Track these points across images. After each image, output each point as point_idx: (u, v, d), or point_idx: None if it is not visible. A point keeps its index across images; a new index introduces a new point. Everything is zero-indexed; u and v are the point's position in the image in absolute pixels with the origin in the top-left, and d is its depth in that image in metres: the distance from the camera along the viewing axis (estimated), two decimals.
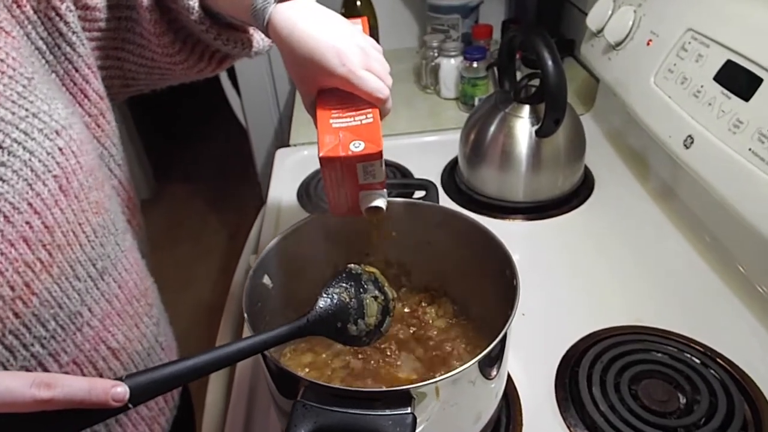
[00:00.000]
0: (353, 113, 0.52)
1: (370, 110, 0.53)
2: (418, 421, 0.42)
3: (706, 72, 0.72)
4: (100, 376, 0.52)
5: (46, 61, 0.49)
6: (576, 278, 0.77)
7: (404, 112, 1.22)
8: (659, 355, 0.63)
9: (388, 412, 0.42)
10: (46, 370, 0.47)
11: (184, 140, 3.07)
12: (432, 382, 0.44)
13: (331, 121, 0.52)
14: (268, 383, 0.52)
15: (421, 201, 0.62)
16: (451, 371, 0.44)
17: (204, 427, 0.67)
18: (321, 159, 0.50)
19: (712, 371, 0.61)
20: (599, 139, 1.05)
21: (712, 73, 0.71)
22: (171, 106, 2.86)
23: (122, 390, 0.36)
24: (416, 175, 0.99)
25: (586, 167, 0.95)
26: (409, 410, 0.42)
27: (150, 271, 0.63)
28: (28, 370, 0.45)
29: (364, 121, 0.52)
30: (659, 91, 0.80)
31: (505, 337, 0.48)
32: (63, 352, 0.48)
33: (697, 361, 0.62)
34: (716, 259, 0.76)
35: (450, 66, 1.19)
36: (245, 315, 0.49)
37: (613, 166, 0.98)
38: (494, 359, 0.49)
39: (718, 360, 0.63)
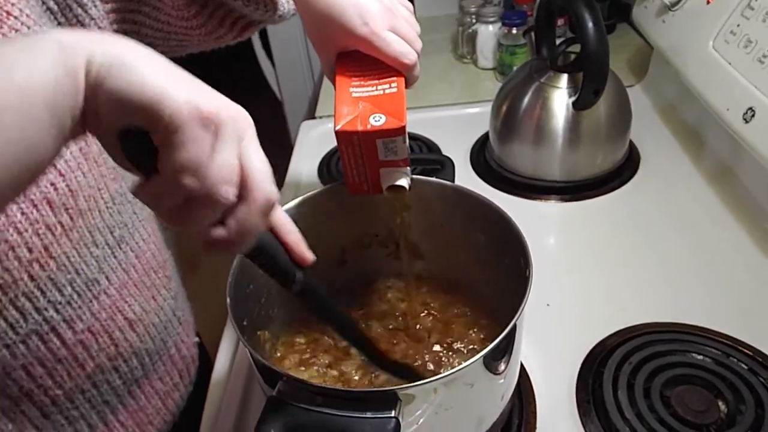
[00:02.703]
0: (376, 81, 0.48)
1: (395, 78, 0.48)
2: (404, 425, 0.38)
3: None
4: (116, 347, 0.52)
5: (58, 23, 0.47)
6: (612, 267, 0.70)
7: (438, 83, 1.15)
8: (700, 357, 0.56)
9: (369, 414, 0.37)
10: (59, 336, 0.47)
11: None
12: (422, 384, 0.39)
13: (351, 89, 0.48)
14: (255, 373, 0.48)
15: (434, 179, 0.57)
16: (446, 371, 0.39)
17: (206, 407, 0.65)
18: (337, 133, 0.46)
19: (761, 379, 0.53)
20: (649, 113, 0.95)
21: None
22: (211, 79, 2.87)
23: (312, 258, 0.41)
24: (445, 151, 0.93)
25: (631, 144, 0.86)
26: (392, 414, 0.37)
27: (176, 245, 0.61)
28: (39, 334, 0.45)
29: (387, 91, 0.48)
30: (718, 57, 0.70)
31: (511, 333, 0.43)
32: (78, 320, 0.48)
33: (744, 366, 0.55)
34: None
35: (488, 33, 1.11)
36: (228, 299, 0.45)
37: (663, 143, 0.88)
38: (497, 359, 0.43)
39: None
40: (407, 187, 0.50)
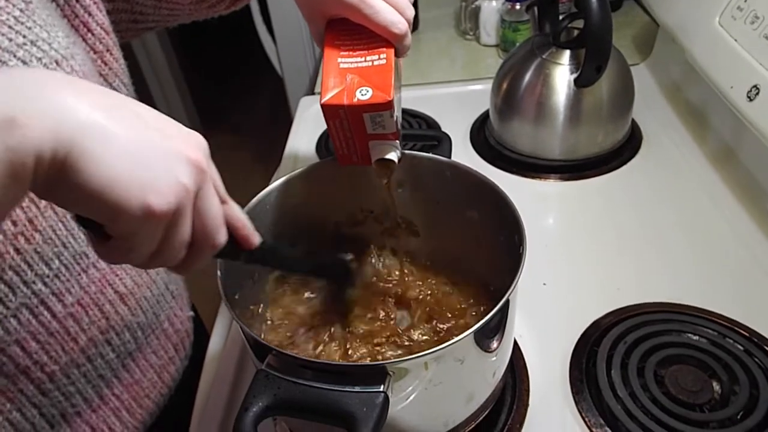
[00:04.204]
0: (365, 51, 0.47)
1: (384, 49, 0.46)
2: (393, 400, 0.38)
3: None
4: (107, 320, 0.51)
5: None
6: (610, 247, 0.69)
7: (440, 59, 1.14)
8: (695, 338, 0.55)
9: (357, 389, 0.37)
10: (49, 309, 0.46)
11: (236, 92, 3.07)
12: (412, 358, 0.39)
13: (339, 60, 0.46)
14: (247, 347, 0.48)
15: (429, 154, 0.56)
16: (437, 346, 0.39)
17: (202, 381, 0.65)
18: (322, 106, 0.45)
19: (756, 359, 0.53)
20: (653, 92, 0.93)
21: None
22: (224, 58, 2.85)
23: (257, 240, 0.39)
24: (444, 128, 0.91)
25: (633, 123, 0.85)
26: (381, 388, 0.37)
27: None
28: (29, 308, 0.45)
29: (375, 63, 0.46)
30: (724, 33, 0.69)
31: (504, 310, 0.42)
32: (67, 293, 0.47)
33: (740, 347, 0.54)
34: None
35: (491, 9, 1.09)
36: (218, 273, 0.45)
37: (666, 123, 0.87)
38: (489, 335, 0.43)
39: (765, 347, 0.54)
40: (396, 160, 0.49)
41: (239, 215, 0.38)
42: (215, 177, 0.34)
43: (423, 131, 0.86)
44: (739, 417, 0.49)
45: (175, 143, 0.30)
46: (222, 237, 0.34)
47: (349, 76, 0.45)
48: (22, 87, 0.27)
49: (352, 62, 0.46)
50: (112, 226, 0.29)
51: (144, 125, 0.30)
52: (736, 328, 0.56)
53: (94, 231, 0.31)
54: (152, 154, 0.29)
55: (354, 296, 0.57)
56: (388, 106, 0.44)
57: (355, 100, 0.44)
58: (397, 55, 0.48)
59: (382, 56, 0.46)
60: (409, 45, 0.48)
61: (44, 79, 0.28)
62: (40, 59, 0.41)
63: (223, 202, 0.35)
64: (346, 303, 0.54)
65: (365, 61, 0.46)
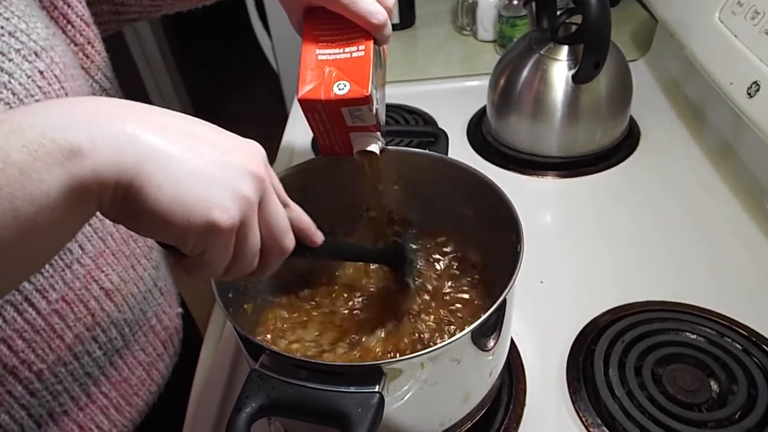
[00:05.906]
0: (343, 43, 0.45)
1: (363, 40, 0.45)
2: (388, 400, 0.37)
3: None
4: (92, 316, 0.50)
5: None
6: (609, 245, 0.68)
7: (437, 55, 1.13)
8: (693, 336, 0.55)
9: (352, 389, 0.36)
10: (33, 305, 0.45)
11: (232, 86, 3.06)
12: (408, 358, 0.38)
13: (318, 51, 0.45)
14: (240, 346, 0.48)
15: (426, 151, 0.55)
16: (433, 346, 0.38)
17: (196, 379, 0.65)
18: (300, 101, 0.44)
19: (754, 359, 0.53)
20: (652, 88, 0.93)
21: None
22: (220, 53, 2.82)
23: (321, 239, 0.41)
24: (441, 124, 0.91)
25: (632, 119, 0.84)
26: (376, 389, 0.36)
27: None
28: (13, 304, 0.44)
29: (354, 54, 0.45)
30: (724, 29, 0.68)
31: (501, 309, 0.41)
32: (51, 289, 0.46)
33: (739, 346, 0.54)
34: None
35: (488, 4, 1.08)
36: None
37: (664, 120, 0.87)
38: (486, 334, 0.42)
39: (764, 346, 0.54)
40: (377, 152, 0.48)
41: (302, 217, 0.39)
42: (276, 183, 0.35)
43: (419, 128, 0.86)
44: (737, 417, 0.49)
45: (233, 157, 0.31)
46: (290, 242, 0.36)
47: (327, 68, 0.44)
48: (83, 117, 0.28)
49: (330, 53, 0.45)
50: (183, 246, 0.31)
51: (202, 144, 0.31)
52: (734, 327, 0.56)
53: (172, 249, 0.32)
54: (212, 171, 0.30)
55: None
56: (366, 100, 0.43)
57: (332, 95, 0.43)
58: (378, 44, 0.46)
59: (360, 48, 0.45)
60: (388, 35, 0.47)
61: (103, 108, 0.29)
62: (18, 51, 0.40)
63: (285, 205, 0.36)
64: (405, 285, 0.56)
65: (344, 52, 0.45)
